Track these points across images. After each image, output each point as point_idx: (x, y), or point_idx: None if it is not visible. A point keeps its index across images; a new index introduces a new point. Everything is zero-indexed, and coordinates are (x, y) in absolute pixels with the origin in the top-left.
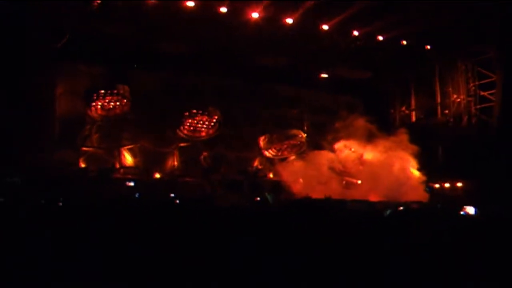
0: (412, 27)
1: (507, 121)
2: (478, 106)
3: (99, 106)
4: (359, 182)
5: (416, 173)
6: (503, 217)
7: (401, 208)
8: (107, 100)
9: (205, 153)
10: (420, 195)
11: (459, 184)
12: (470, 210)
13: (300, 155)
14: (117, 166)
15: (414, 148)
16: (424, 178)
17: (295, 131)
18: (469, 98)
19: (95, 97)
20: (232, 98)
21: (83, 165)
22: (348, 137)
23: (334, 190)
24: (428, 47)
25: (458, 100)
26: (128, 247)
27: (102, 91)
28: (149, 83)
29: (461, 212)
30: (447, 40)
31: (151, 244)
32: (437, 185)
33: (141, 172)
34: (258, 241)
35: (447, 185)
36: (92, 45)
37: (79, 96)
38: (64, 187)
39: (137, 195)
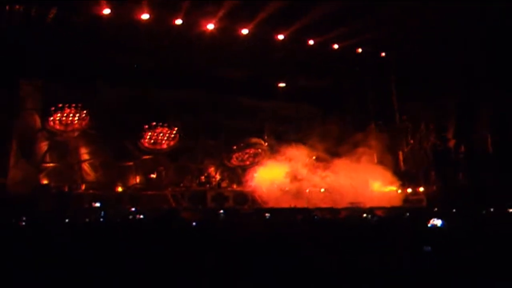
0: (367, 35)
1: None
2: None
3: (57, 120)
4: (322, 190)
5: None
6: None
7: (366, 215)
8: (65, 113)
9: (167, 166)
10: (385, 200)
11: (421, 189)
12: (438, 222)
13: (262, 164)
14: (79, 181)
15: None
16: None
17: (255, 140)
18: None
19: (53, 110)
20: (193, 110)
21: (44, 182)
22: (310, 144)
23: (297, 198)
24: (383, 54)
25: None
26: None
27: (60, 104)
28: (108, 97)
29: (429, 225)
30: (402, 48)
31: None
32: (399, 191)
33: (103, 186)
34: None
35: (409, 190)
36: (49, 60)
37: (37, 112)
38: (26, 204)
39: (102, 214)
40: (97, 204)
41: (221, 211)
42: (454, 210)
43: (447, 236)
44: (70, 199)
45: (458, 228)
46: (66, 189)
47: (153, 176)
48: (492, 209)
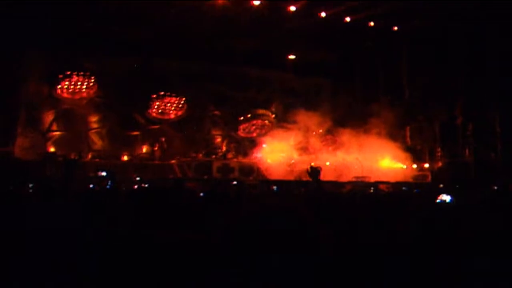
0: (379, 9)
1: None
2: None
3: (65, 88)
4: (327, 163)
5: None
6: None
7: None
8: (73, 81)
9: (173, 136)
10: (391, 175)
11: (426, 165)
12: (446, 198)
13: (269, 136)
14: (85, 149)
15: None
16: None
17: (262, 111)
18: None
19: (61, 77)
20: (200, 81)
21: (51, 149)
22: (317, 118)
23: (303, 171)
24: (396, 28)
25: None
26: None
27: (68, 72)
28: (115, 67)
29: (437, 200)
30: (414, 23)
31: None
32: (404, 166)
33: (109, 155)
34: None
35: (414, 166)
36: (56, 31)
37: (44, 80)
38: (33, 171)
39: (108, 185)
40: (103, 173)
41: (234, 182)
42: (458, 186)
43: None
44: (76, 167)
45: (467, 203)
46: (73, 157)
47: (159, 146)
48: (496, 187)
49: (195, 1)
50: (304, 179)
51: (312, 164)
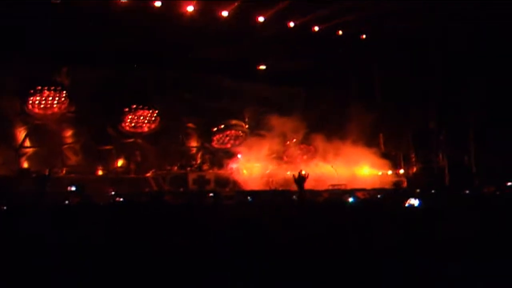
0: (347, 17)
1: None
2: None
3: (36, 103)
4: (303, 172)
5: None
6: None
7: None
8: (44, 96)
9: (148, 149)
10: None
11: (401, 171)
12: (415, 202)
13: (243, 147)
14: (59, 165)
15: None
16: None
17: (235, 121)
18: None
19: (32, 92)
20: (173, 92)
21: (25, 165)
22: (291, 127)
23: (279, 180)
24: (364, 36)
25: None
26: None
27: (39, 87)
28: (87, 80)
29: (406, 205)
30: (383, 30)
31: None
32: (379, 173)
33: (84, 170)
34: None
35: (389, 172)
36: (27, 42)
37: (16, 95)
38: (6, 188)
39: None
40: (73, 188)
41: (211, 194)
42: (433, 191)
43: (424, 215)
44: (50, 183)
45: (435, 207)
46: (47, 173)
47: (134, 159)
48: (468, 190)
49: (165, 12)
50: (280, 188)
51: (303, 172)
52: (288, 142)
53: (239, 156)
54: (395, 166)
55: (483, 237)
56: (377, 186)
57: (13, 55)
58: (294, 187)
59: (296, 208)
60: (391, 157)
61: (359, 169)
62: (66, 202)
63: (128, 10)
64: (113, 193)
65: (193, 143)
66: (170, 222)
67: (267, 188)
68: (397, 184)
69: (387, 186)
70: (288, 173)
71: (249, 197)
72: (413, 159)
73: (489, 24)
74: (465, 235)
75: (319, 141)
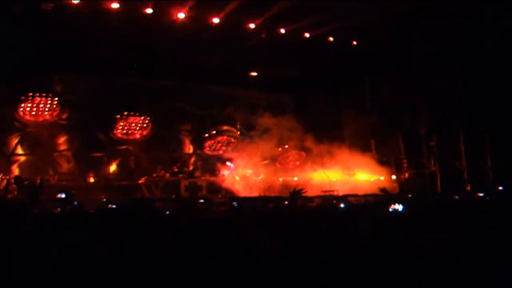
0: (338, 24)
1: None
2: None
3: (27, 110)
4: (295, 179)
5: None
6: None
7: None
8: (35, 103)
9: (139, 155)
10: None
11: (393, 177)
12: (398, 207)
13: (235, 153)
14: (51, 172)
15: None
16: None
17: (227, 127)
18: None
19: (23, 99)
20: (164, 99)
21: (16, 173)
22: (282, 133)
23: (271, 187)
24: (355, 43)
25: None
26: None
27: (30, 94)
28: (79, 87)
29: (390, 209)
30: (374, 36)
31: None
32: (372, 178)
33: (75, 177)
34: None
35: (381, 178)
36: (18, 50)
37: (7, 102)
38: None
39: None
40: (62, 195)
41: (201, 200)
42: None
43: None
44: (41, 190)
45: (418, 212)
46: (38, 181)
47: (125, 166)
48: (458, 195)
49: (155, 20)
50: (273, 194)
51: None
52: (280, 148)
53: (229, 163)
54: (388, 172)
55: (464, 242)
56: (369, 192)
57: (4, 62)
58: (285, 193)
59: (282, 215)
60: (385, 163)
61: (352, 174)
62: (59, 209)
63: (119, 17)
64: (104, 200)
65: (185, 150)
66: (160, 228)
67: (261, 194)
68: (383, 190)
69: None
70: (281, 179)
71: (235, 203)
72: (405, 165)
73: (479, 30)
74: (445, 240)
75: (310, 147)
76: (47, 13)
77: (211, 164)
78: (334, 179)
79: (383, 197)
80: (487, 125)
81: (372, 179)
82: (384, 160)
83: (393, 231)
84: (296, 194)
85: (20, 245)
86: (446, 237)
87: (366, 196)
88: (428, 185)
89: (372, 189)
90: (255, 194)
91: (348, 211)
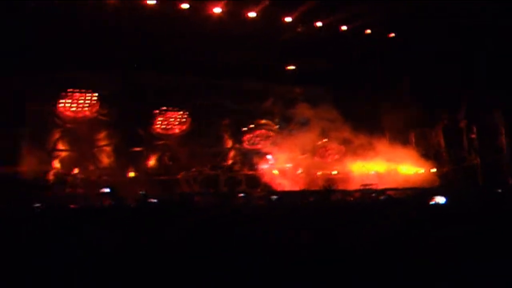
0: (375, 16)
1: None
2: None
3: (68, 106)
4: (334, 172)
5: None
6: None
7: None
8: (75, 100)
9: (178, 150)
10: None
11: (433, 170)
12: (440, 200)
13: (273, 147)
14: (91, 167)
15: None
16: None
17: (265, 121)
18: None
19: (63, 95)
20: (202, 94)
21: (57, 169)
22: (321, 127)
23: (310, 181)
24: (392, 35)
25: None
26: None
27: (70, 90)
28: (114, 84)
29: (431, 202)
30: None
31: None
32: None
33: (115, 172)
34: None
35: (422, 171)
36: (58, 49)
37: (48, 99)
38: (39, 192)
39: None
40: (107, 190)
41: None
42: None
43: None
44: (83, 185)
45: (461, 205)
46: (79, 176)
47: (165, 161)
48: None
49: (191, 15)
50: (313, 188)
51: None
52: (319, 142)
53: (269, 156)
54: (428, 165)
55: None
56: (409, 185)
57: (44, 59)
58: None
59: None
60: (425, 156)
61: (391, 167)
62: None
63: (155, 13)
64: (144, 194)
65: (224, 144)
66: (199, 223)
67: (299, 188)
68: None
69: (418, 185)
70: (320, 173)
71: (273, 197)
72: (445, 158)
73: None
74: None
75: (350, 139)
76: (82, 12)
77: (250, 158)
78: (373, 172)
79: (423, 190)
80: None
81: (412, 172)
82: (424, 153)
83: (435, 223)
84: (329, 192)
85: (64, 237)
86: (490, 229)
87: (405, 189)
88: (470, 179)
89: (413, 182)
90: (295, 188)
91: (385, 205)
